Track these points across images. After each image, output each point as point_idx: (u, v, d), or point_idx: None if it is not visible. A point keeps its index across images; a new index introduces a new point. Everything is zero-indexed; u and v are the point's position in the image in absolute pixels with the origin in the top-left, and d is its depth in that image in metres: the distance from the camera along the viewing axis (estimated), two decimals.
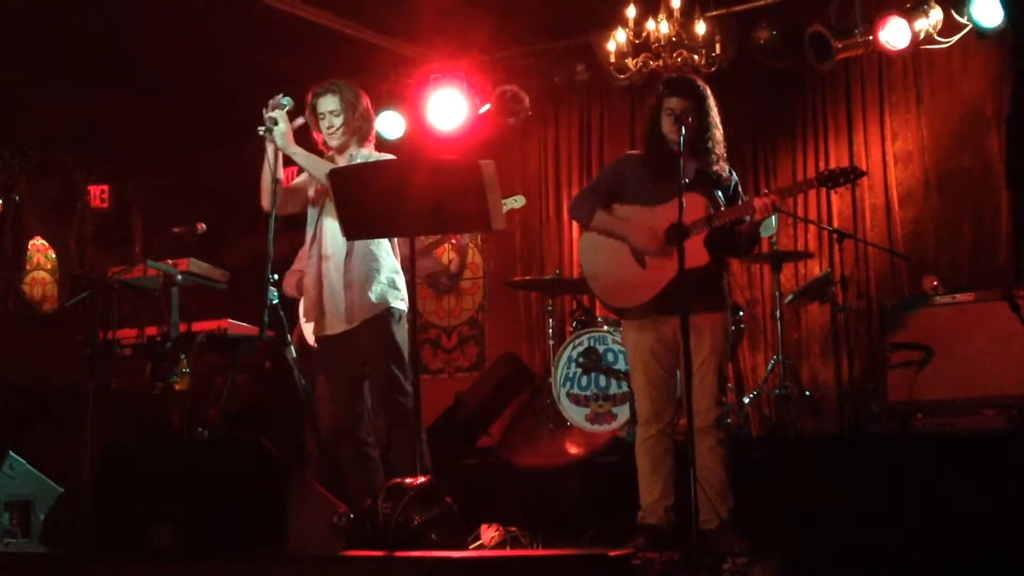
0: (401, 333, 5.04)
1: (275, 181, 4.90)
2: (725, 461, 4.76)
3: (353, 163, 5.05)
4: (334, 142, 5.06)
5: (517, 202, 6.50)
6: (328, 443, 5.34)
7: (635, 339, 4.96)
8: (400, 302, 5.06)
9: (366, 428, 5.05)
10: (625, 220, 4.94)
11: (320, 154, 5.11)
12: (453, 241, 6.34)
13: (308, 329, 5.78)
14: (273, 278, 4.76)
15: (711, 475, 4.69)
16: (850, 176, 4.80)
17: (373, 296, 4.97)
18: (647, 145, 4.95)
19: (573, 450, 6.56)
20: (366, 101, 5.13)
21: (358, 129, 5.07)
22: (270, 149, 4.90)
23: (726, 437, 4.80)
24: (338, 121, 5.03)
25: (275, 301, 4.79)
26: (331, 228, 4.99)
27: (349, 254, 4.96)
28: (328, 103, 5.04)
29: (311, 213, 5.10)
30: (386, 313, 5.00)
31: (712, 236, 4.78)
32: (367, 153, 5.10)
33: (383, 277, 5.02)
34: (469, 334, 9.46)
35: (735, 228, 4.88)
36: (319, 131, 5.12)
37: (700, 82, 4.96)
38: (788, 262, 7.64)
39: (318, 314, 5.05)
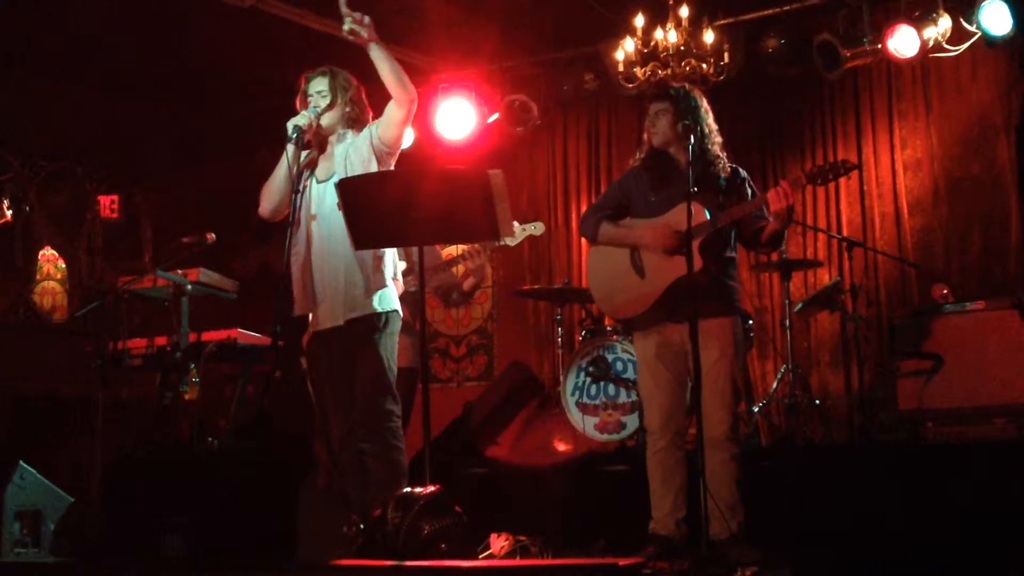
0: (386, 342, 4.88)
1: (295, 192, 4.83)
2: (737, 476, 4.74)
3: (342, 143, 4.98)
4: (322, 123, 4.98)
5: (537, 228, 6.48)
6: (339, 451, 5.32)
7: (642, 346, 5.00)
8: (391, 305, 4.91)
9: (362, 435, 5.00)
10: (628, 227, 4.99)
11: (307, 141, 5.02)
12: (470, 265, 6.30)
13: None
14: (289, 278, 4.72)
15: (722, 490, 4.67)
16: (839, 170, 4.75)
17: (357, 296, 4.83)
18: (646, 155, 5.02)
19: (562, 447, 6.56)
20: (361, 90, 5.08)
21: (348, 114, 5.01)
22: (291, 150, 4.84)
23: (738, 452, 4.78)
24: (324, 102, 4.97)
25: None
26: (318, 212, 4.91)
27: (335, 243, 4.83)
28: (318, 84, 5.00)
29: (293, 198, 4.90)
30: (371, 320, 4.85)
31: (709, 241, 4.78)
32: (354, 136, 5.01)
33: (375, 273, 4.86)
34: (478, 343, 9.46)
35: (757, 226, 4.86)
36: None
37: (683, 86, 5.01)
38: (797, 270, 7.63)
39: (311, 306, 4.91)
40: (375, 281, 4.86)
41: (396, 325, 4.96)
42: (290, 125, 4.87)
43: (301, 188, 4.93)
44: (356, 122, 5.05)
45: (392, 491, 4.51)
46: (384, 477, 4.75)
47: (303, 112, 4.95)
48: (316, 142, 5.02)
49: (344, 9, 4.71)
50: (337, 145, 5.01)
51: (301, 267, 4.92)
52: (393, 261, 5.03)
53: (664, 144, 4.92)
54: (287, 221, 4.92)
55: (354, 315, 4.85)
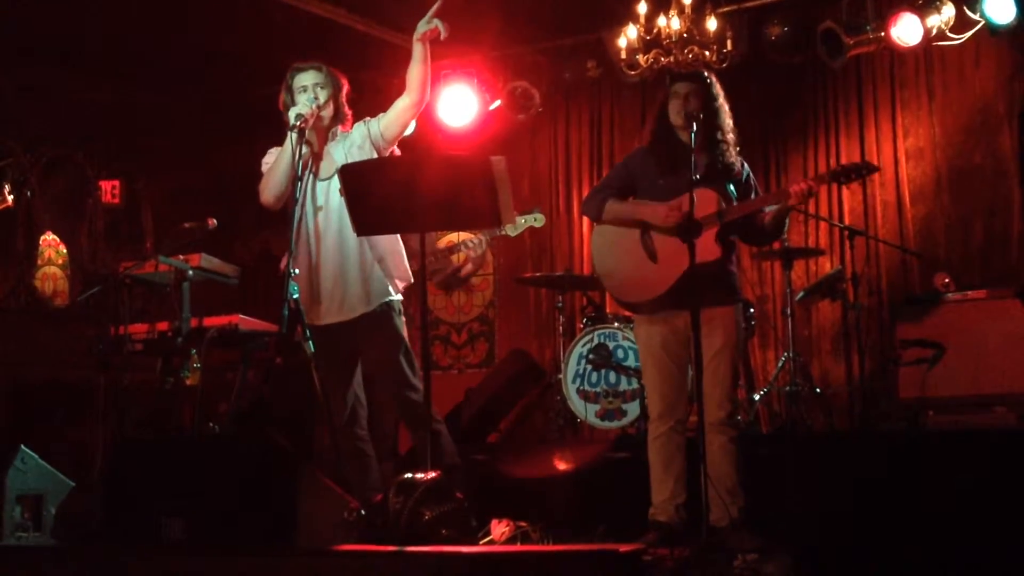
0: (403, 326, 5.03)
1: (298, 178, 4.85)
2: (736, 460, 4.76)
3: (334, 140, 5.03)
4: (321, 114, 5.00)
5: (537, 221, 6.46)
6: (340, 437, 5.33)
7: (646, 333, 4.96)
8: (400, 293, 5.04)
9: (360, 422, 5.05)
10: (636, 203, 4.93)
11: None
12: (471, 253, 6.32)
13: None
14: (294, 272, 4.74)
15: (722, 474, 4.68)
16: (863, 171, 4.83)
17: (373, 288, 4.94)
18: (654, 136, 4.98)
19: (562, 466, 6.55)
20: (348, 86, 5.12)
21: (339, 108, 5.05)
22: (294, 137, 4.84)
23: (737, 435, 4.79)
24: (324, 94, 4.98)
25: (295, 295, 4.72)
26: (326, 208, 4.95)
27: (345, 238, 4.89)
28: (311, 77, 5.01)
29: (296, 194, 4.92)
30: (387, 307, 4.98)
31: (723, 230, 4.79)
32: (344, 133, 5.05)
33: (383, 266, 4.96)
34: (479, 330, 9.46)
35: (757, 217, 4.87)
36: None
37: (709, 73, 5.00)
38: (799, 259, 7.63)
39: (313, 302, 4.97)
40: (399, 272, 5.00)
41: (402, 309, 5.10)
42: (292, 113, 4.88)
43: (303, 178, 4.95)
44: (345, 118, 5.10)
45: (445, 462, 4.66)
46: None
47: (303, 100, 4.95)
48: (312, 137, 5.02)
49: (433, 13, 4.89)
50: (332, 143, 5.05)
51: (307, 262, 4.96)
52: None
53: (682, 124, 4.84)
54: (287, 209, 4.93)
55: (371, 307, 4.94)
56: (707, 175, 4.80)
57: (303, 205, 4.95)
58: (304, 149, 4.95)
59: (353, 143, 5.00)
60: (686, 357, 4.87)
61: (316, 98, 4.96)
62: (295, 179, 4.83)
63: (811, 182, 4.74)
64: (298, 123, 4.83)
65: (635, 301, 5.00)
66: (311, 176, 5.00)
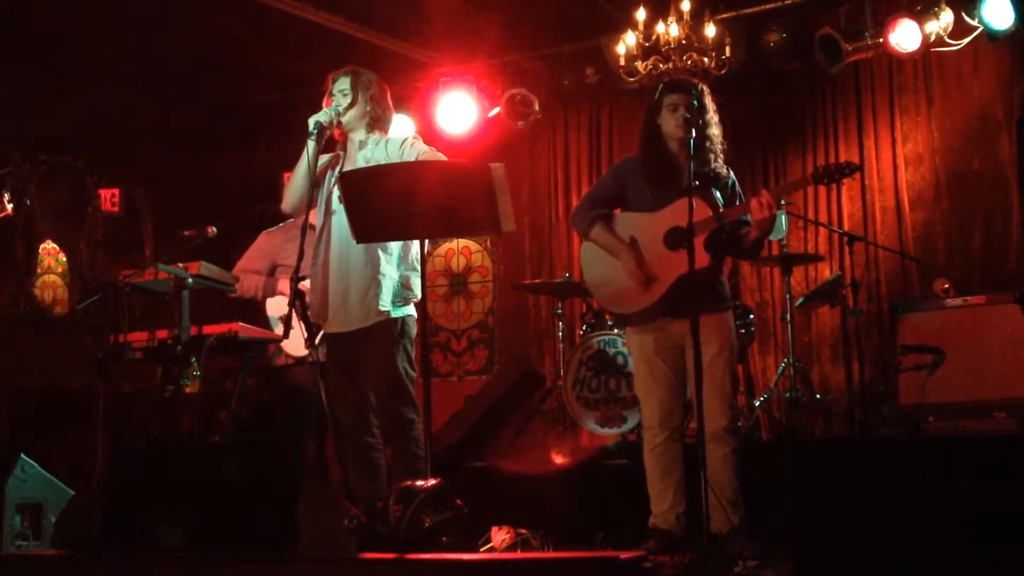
0: (404, 348, 4.95)
1: (313, 185, 4.88)
2: (737, 470, 4.74)
3: (364, 149, 5.03)
4: (343, 120, 5.03)
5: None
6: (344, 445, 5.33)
7: (639, 342, 4.93)
8: (405, 310, 4.98)
9: (371, 430, 5.03)
10: (620, 240, 4.91)
11: (332, 140, 5.09)
12: None
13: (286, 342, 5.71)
14: (301, 278, 4.76)
15: (724, 484, 4.67)
16: (845, 171, 4.76)
17: (373, 302, 4.90)
18: (645, 148, 4.94)
19: (560, 460, 6.55)
20: (383, 90, 5.12)
21: (367, 113, 5.04)
22: (311, 145, 4.86)
23: (738, 445, 4.78)
24: (345, 100, 5.01)
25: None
26: (339, 222, 4.95)
27: (352, 246, 4.88)
28: (340, 84, 5.05)
29: (320, 206, 5.02)
30: (387, 324, 4.93)
31: (712, 238, 4.78)
32: (377, 138, 5.06)
33: (387, 281, 4.93)
34: (479, 337, 9.46)
35: (739, 232, 4.87)
36: None
37: (700, 83, 5.00)
38: (798, 265, 7.62)
39: (323, 309, 4.99)
40: (396, 286, 4.94)
41: (413, 330, 5.02)
42: (311, 121, 4.91)
43: (324, 186, 4.99)
44: (378, 122, 5.09)
45: None
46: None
47: (324, 109, 4.98)
48: (340, 142, 5.05)
49: None
50: (362, 150, 5.04)
51: (320, 266, 4.98)
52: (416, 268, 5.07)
53: (682, 135, 4.82)
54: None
55: (369, 323, 4.91)
56: (697, 184, 4.78)
57: (326, 211, 4.98)
58: (327, 156, 5.00)
59: (391, 154, 4.99)
60: (681, 362, 4.86)
61: (338, 105, 5.00)
62: (312, 186, 4.86)
63: (767, 196, 4.68)
64: (315, 131, 4.86)
65: (626, 312, 4.96)
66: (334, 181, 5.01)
